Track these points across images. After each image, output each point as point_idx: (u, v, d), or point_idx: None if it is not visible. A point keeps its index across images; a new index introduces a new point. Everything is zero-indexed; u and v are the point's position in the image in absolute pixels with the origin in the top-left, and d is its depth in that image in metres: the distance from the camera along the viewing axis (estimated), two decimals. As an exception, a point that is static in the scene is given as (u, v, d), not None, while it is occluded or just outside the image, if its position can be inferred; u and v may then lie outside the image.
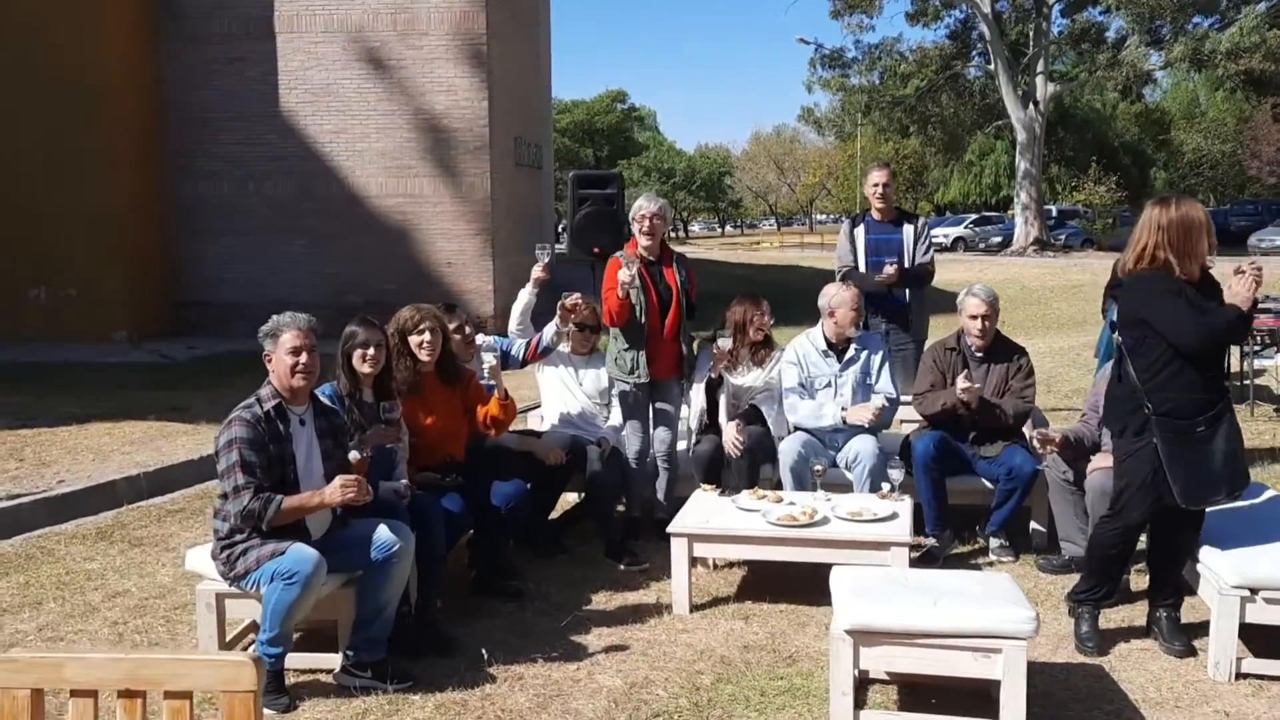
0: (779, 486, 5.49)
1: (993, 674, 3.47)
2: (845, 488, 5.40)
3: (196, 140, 14.92)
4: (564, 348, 5.89)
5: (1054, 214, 37.21)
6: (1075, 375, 10.86)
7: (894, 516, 4.80)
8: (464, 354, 5.31)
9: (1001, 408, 5.44)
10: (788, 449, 5.50)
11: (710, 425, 5.95)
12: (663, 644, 4.39)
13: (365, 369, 4.40)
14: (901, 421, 5.98)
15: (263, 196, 14.97)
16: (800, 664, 4.18)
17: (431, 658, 4.17)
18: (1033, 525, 5.58)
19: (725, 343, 5.78)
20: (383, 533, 3.97)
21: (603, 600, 4.92)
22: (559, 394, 5.93)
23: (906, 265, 6.47)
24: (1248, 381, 8.67)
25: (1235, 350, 8.36)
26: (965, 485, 5.51)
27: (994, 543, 5.44)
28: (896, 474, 5.04)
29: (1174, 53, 29.95)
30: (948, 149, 42.98)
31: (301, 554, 3.74)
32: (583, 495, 5.88)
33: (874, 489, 5.23)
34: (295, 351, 3.92)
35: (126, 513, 6.50)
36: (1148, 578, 4.47)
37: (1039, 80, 32.53)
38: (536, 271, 5.75)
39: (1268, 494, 4.77)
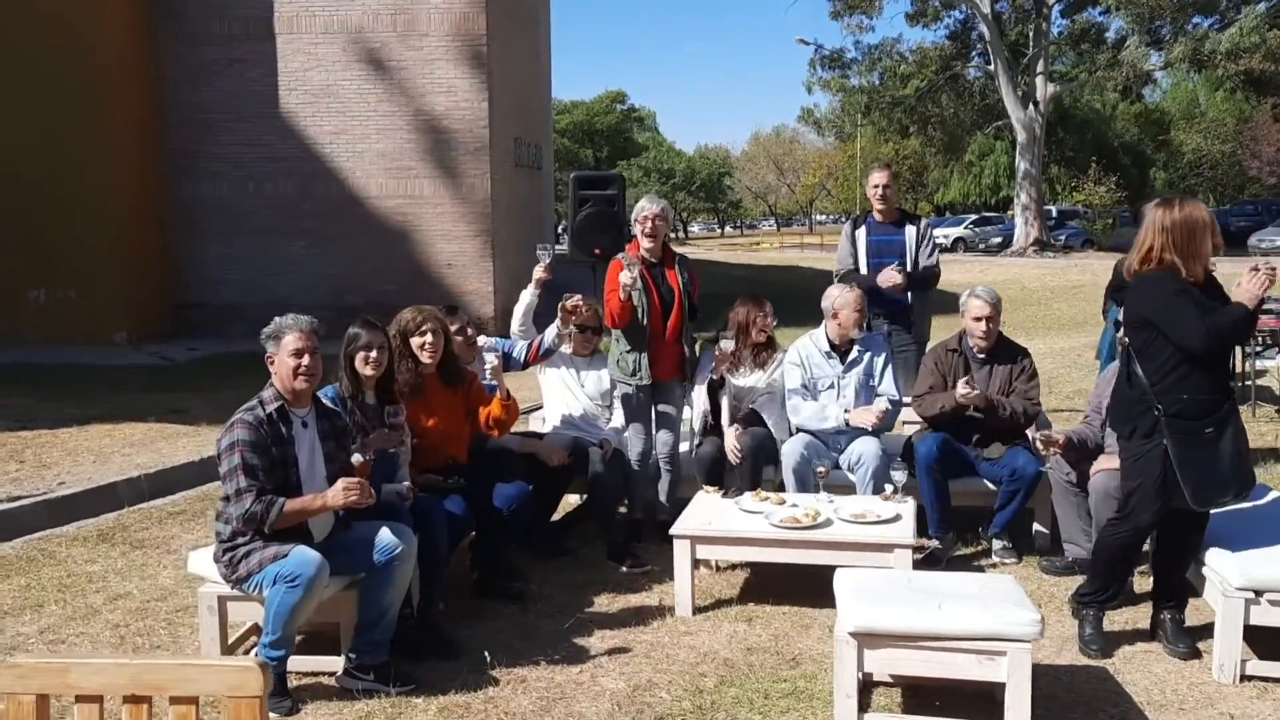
0: (781, 488, 5.49)
1: (997, 676, 3.46)
2: (848, 489, 5.39)
3: (196, 141, 14.91)
4: (566, 349, 5.89)
5: (1054, 214, 37.21)
6: (1076, 376, 10.86)
7: (897, 518, 4.79)
8: (466, 355, 5.30)
9: (1010, 406, 5.43)
10: (790, 451, 5.49)
11: (713, 427, 5.94)
12: (665, 646, 4.38)
13: (368, 371, 4.39)
14: (904, 423, 5.97)
15: (263, 197, 14.96)
16: (804, 666, 4.17)
17: (434, 660, 4.16)
18: (1035, 527, 5.57)
19: (727, 344, 5.77)
20: (385, 535, 3.96)
21: (605, 602, 4.91)
22: (561, 395, 5.93)
23: (909, 268, 6.44)
24: (1249, 382, 8.67)
25: (1238, 350, 8.35)
26: (968, 487, 5.50)
27: (997, 544, 5.43)
28: (899, 476, 5.04)
29: (1174, 53, 29.96)
30: (947, 149, 42.97)
31: (304, 556, 3.73)
32: (585, 497, 5.87)
33: (877, 491, 5.23)
34: (298, 354, 3.91)
35: (127, 515, 6.49)
36: (1151, 580, 4.46)
37: (1039, 80, 32.53)
38: (538, 272, 5.74)
39: (1271, 495, 4.76)
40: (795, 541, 4.67)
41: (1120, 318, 6.00)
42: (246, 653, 4.28)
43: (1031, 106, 32.35)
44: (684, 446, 5.91)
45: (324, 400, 4.20)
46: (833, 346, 5.72)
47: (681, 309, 5.54)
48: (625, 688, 3.98)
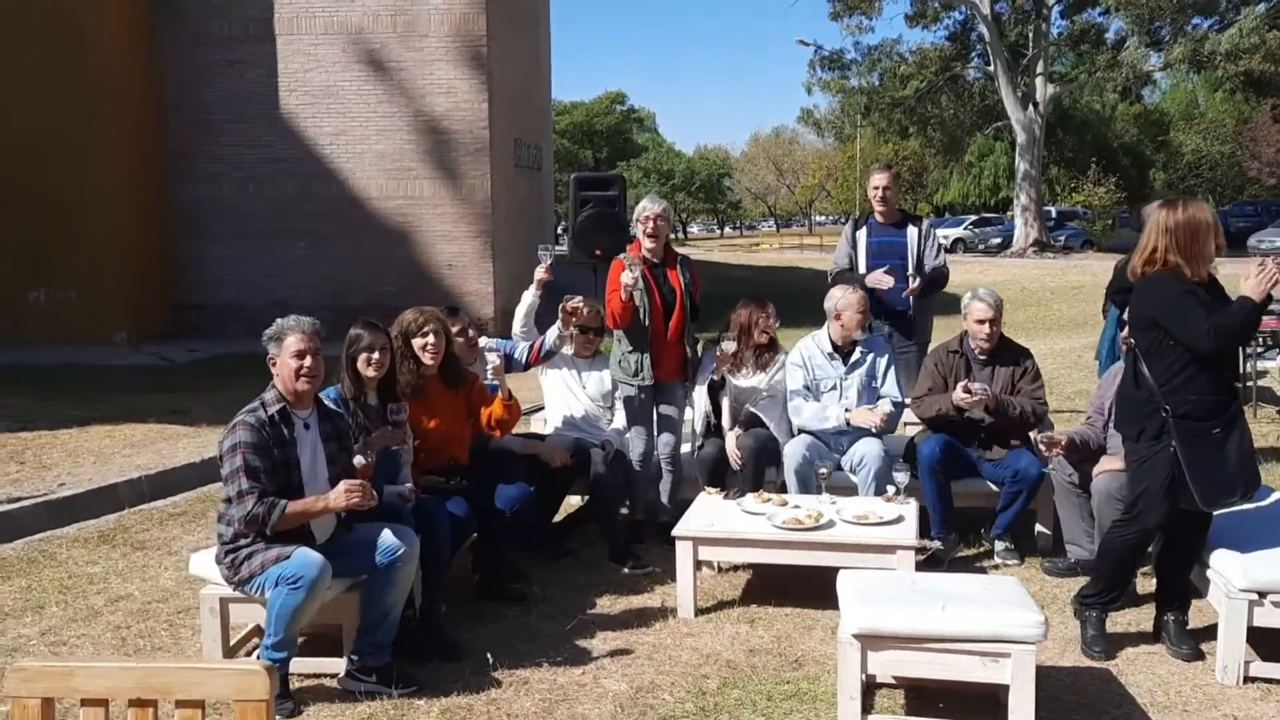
0: (783, 489, 5.48)
1: (1001, 678, 3.46)
2: (850, 491, 5.38)
3: (197, 142, 14.91)
4: (567, 350, 5.88)
5: (1053, 215, 37.23)
6: (1076, 377, 10.86)
7: (899, 520, 4.78)
8: (467, 357, 5.30)
9: (1020, 405, 5.42)
10: (792, 452, 5.48)
11: (714, 428, 5.94)
12: (668, 648, 4.38)
13: (370, 373, 4.39)
14: (906, 424, 5.97)
15: (263, 198, 14.95)
16: (806, 668, 4.17)
17: (436, 662, 4.16)
18: (1038, 528, 5.57)
19: (729, 346, 5.76)
20: (387, 537, 3.95)
21: (607, 604, 4.90)
22: (562, 397, 5.92)
23: (911, 269, 6.42)
24: (1250, 383, 8.67)
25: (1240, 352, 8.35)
26: (970, 488, 5.49)
27: (999, 545, 5.43)
28: (901, 477, 5.03)
29: (1173, 54, 29.98)
30: (947, 150, 42.97)
31: (306, 558, 3.72)
32: (586, 498, 5.86)
33: (879, 492, 5.22)
34: (299, 355, 3.90)
35: (128, 516, 6.49)
36: (1154, 581, 4.46)
37: (1038, 81, 32.55)
38: (540, 273, 5.73)
39: (1274, 496, 4.76)
40: (798, 543, 4.67)
41: (1124, 318, 6.01)
42: (248, 654, 4.28)
43: (1031, 107, 32.36)
44: (685, 447, 5.90)
45: (326, 401, 4.19)
46: (835, 348, 5.72)
47: (683, 309, 5.54)
48: (628, 689, 3.97)
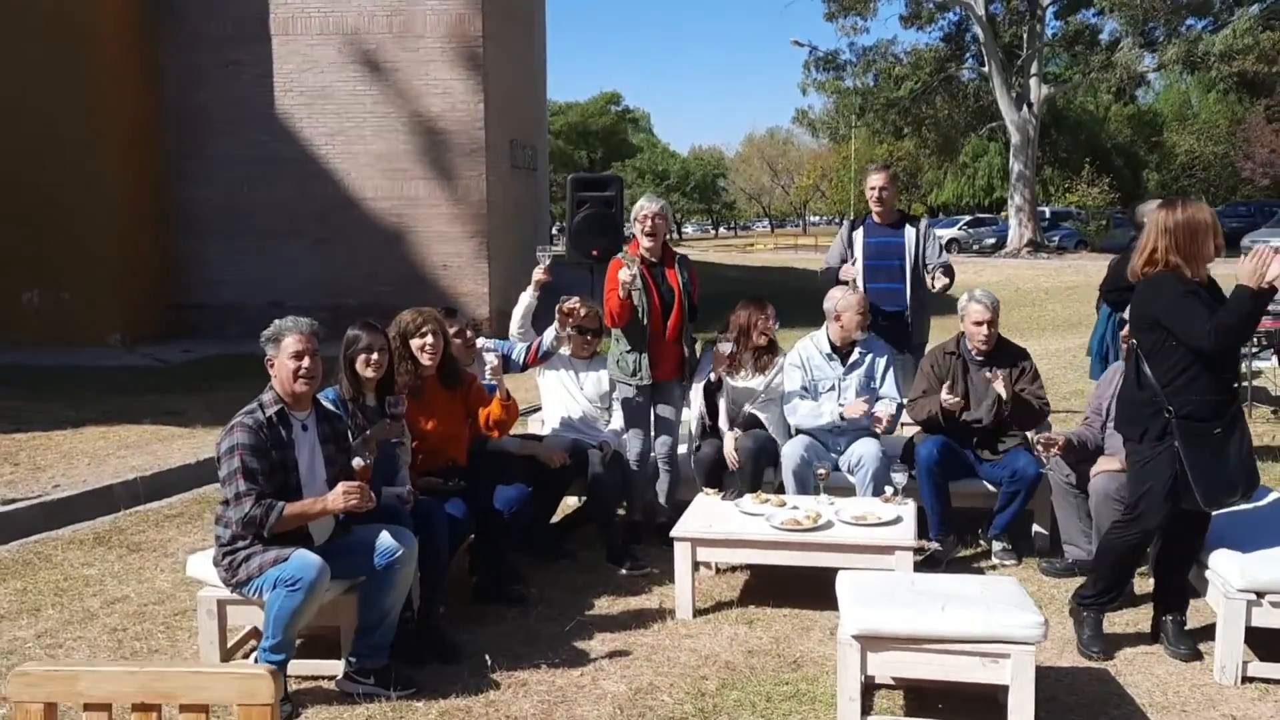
0: (781, 490, 5.48)
1: (1001, 679, 3.46)
2: (848, 491, 5.39)
3: (192, 142, 14.86)
4: (564, 351, 5.87)
5: (1047, 216, 37.26)
6: (1072, 377, 10.87)
7: (898, 520, 4.79)
8: (465, 358, 5.29)
9: (1028, 400, 5.41)
10: (790, 453, 5.48)
11: (710, 429, 5.94)
12: (667, 649, 4.38)
13: (368, 373, 4.38)
14: (903, 425, 5.97)
15: (258, 199, 14.90)
16: (805, 669, 4.17)
17: (435, 664, 4.15)
18: (1035, 528, 5.58)
19: (725, 347, 5.77)
20: (385, 539, 3.94)
21: (605, 605, 4.90)
22: (560, 397, 5.91)
23: (909, 269, 6.39)
24: (1245, 383, 8.69)
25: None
26: (968, 488, 5.50)
27: (997, 546, 5.43)
28: (900, 477, 5.03)
29: (1167, 55, 30.05)
30: (942, 151, 43.04)
31: (305, 560, 3.71)
32: (584, 499, 5.86)
33: (877, 492, 5.23)
34: (298, 356, 3.89)
35: (124, 518, 6.47)
36: (1152, 581, 4.46)
37: (1033, 82, 32.60)
38: (538, 274, 5.72)
39: (1272, 496, 4.77)
40: (796, 544, 4.67)
41: (1123, 318, 6.02)
42: (246, 657, 4.27)
43: (1025, 108, 32.41)
44: (682, 448, 5.90)
45: (325, 403, 4.18)
46: (834, 348, 5.72)
47: (681, 309, 5.53)
48: (627, 691, 3.97)
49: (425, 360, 4.78)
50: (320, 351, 3.97)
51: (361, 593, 3.97)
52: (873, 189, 6.53)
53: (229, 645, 4.16)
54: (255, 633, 4.18)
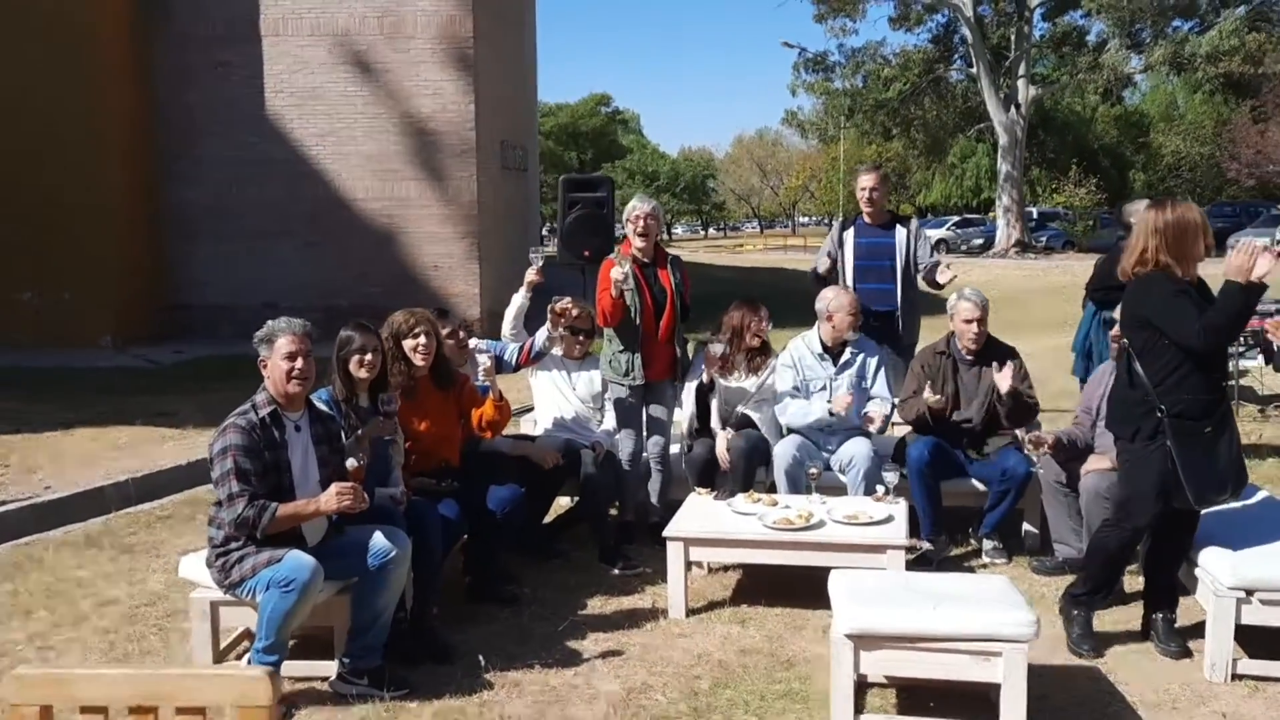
0: (773, 490, 5.49)
1: (993, 677, 3.48)
2: (840, 491, 5.40)
3: (183, 143, 14.81)
4: (557, 352, 5.87)
5: (1035, 216, 37.37)
6: (1060, 376, 10.85)
7: (889, 519, 4.80)
8: (457, 358, 5.29)
9: (1020, 396, 5.43)
10: (782, 452, 5.50)
11: (702, 429, 5.95)
12: (660, 649, 4.38)
13: (362, 374, 4.38)
14: (895, 425, 5.99)
15: (249, 200, 14.86)
16: (798, 668, 4.18)
17: (428, 664, 4.15)
18: (1025, 527, 5.60)
19: (717, 348, 5.77)
20: (379, 540, 3.94)
21: (598, 605, 4.90)
22: (552, 398, 5.91)
23: (900, 270, 6.42)
24: (1231, 382, 8.73)
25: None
26: (959, 487, 5.52)
27: (987, 545, 5.46)
28: (891, 476, 5.05)
29: (1154, 56, 30.22)
30: (930, 152, 43.13)
31: (298, 561, 3.71)
32: (576, 499, 5.86)
33: (869, 492, 5.24)
34: (291, 357, 3.89)
35: (115, 519, 6.44)
36: (1142, 579, 4.49)
37: (1020, 83, 32.73)
38: (530, 275, 5.72)
39: (1261, 494, 4.80)
40: (788, 543, 4.68)
41: (1109, 317, 6.05)
42: (239, 658, 4.26)
43: (1013, 109, 32.53)
44: (675, 448, 5.91)
45: (318, 403, 4.18)
46: (825, 348, 5.74)
47: (674, 309, 5.54)
48: (620, 690, 3.97)
49: (418, 361, 4.78)
50: (313, 352, 3.97)
51: (355, 594, 3.97)
52: (864, 189, 6.54)
53: (222, 647, 4.15)
54: (248, 634, 4.18)
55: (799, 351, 5.78)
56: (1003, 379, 5.36)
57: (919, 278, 6.50)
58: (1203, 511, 4.15)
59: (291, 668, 3.99)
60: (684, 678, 4.09)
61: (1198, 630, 4.25)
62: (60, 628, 4.66)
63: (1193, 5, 30.44)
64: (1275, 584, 3.97)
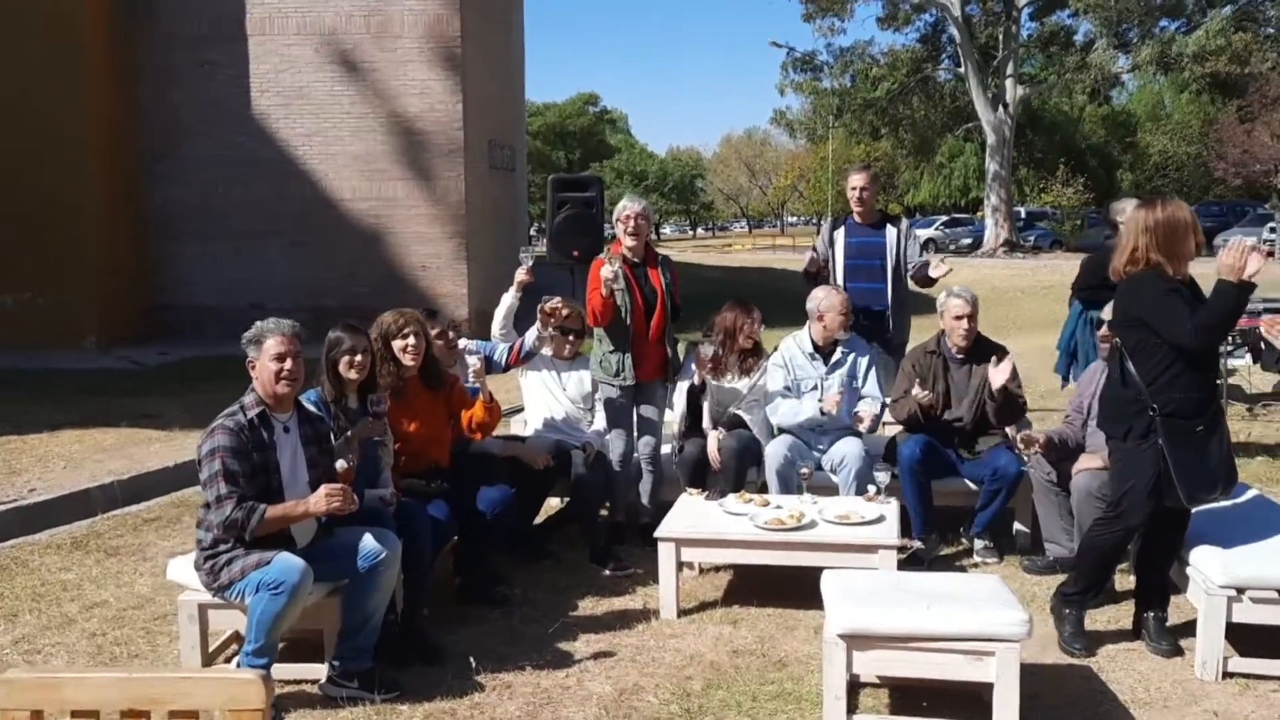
0: (764, 490, 5.49)
1: (986, 677, 3.47)
2: (831, 491, 5.39)
3: (168, 143, 14.72)
4: (546, 352, 5.85)
5: (1023, 216, 37.52)
6: (1048, 376, 10.87)
7: (881, 519, 4.80)
8: (447, 359, 5.26)
9: (1010, 393, 5.43)
10: (773, 452, 5.49)
11: (693, 429, 5.93)
12: (651, 649, 4.37)
13: (352, 375, 4.35)
14: (886, 424, 5.99)
15: (235, 200, 14.78)
16: (790, 668, 4.17)
17: (419, 666, 4.13)
18: (1016, 526, 5.60)
19: (707, 349, 5.77)
20: (369, 541, 3.92)
21: (589, 606, 4.89)
22: (542, 399, 5.89)
23: (890, 269, 6.41)
24: (1219, 381, 8.75)
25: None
26: (950, 487, 5.52)
27: (978, 544, 5.46)
28: (882, 476, 5.05)
29: (1141, 55, 30.39)
30: (918, 151, 43.27)
31: (288, 563, 3.68)
32: (567, 500, 5.84)
33: (860, 491, 5.24)
34: (279, 358, 3.86)
35: (101, 522, 6.39)
36: (1132, 578, 4.49)
37: (1008, 83, 32.85)
38: (520, 275, 5.70)
39: (1251, 492, 4.81)
40: (780, 543, 4.67)
41: (1096, 317, 6.06)
42: (227, 661, 4.23)
43: (1001, 109, 32.65)
44: (665, 448, 5.90)
45: (307, 404, 4.15)
46: (816, 348, 5.73)
47: (664, 309, 5.53)
48: (612, 692, 3.96)
49: (407, 361, 4.76)
50: (302, 353, 3.95)
51: (345, 596, 3.94)
52: (854, 189, 6.54)
53: (210, 650, 4.12)
54: (237, 637, 4.14)
55: (790, 351, 5.77)
56: (999, 373, 5.35)
57: (908, 277, 6.50)
58: (1193, 510, 4.16)
59: (281, 670, 3.96)
60: (676, 679, 4.08)
61: (1189, 629, 4.25)
62: (47, 631, 4.62)
63: (1179, 5, 30.64)
64: (1266, 582, 3.98)
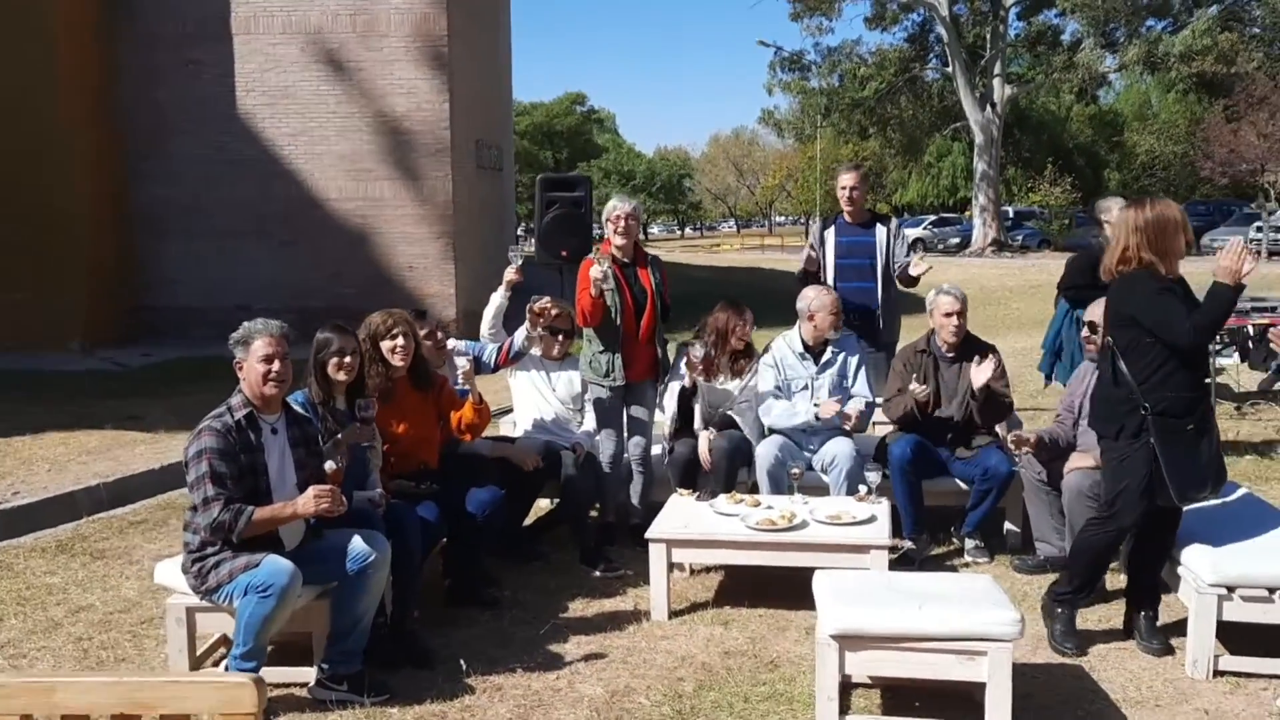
0: (755, 490, 5.48)
1: (978, 676, 3.47)
2: (822, 491, 5.39)
3: (153, 142, 14.64)
4: (535, 352, 5.83)
5: (1011, 215, 37.62)
6: (1037, 376, 10.90)
7: (872, 519, 4.79)
8: (436, 359, 5.24)
9: (993, 393, 5.43)
10: (764, 452, 5.48)
11: (683, 430, 5.92)
12: (643, 651, 4.36)
13: (340, 377, 4.33)
14: (876, 424, 5.99)
15: (220, 200, 14.70)
16: (782, 669, 4.16)
17: (409, 669, 4.11)
18: (1007, 526, 5.60)
19: (697, 351, 5.75)
20: (358, 543, 3.89)
21: (580, 607, 4.87)
22: (532, 399, 5.87)
23: (880, 268, 6.42)
24: (1208, 380, 8.78)
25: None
26: (941, 486, 5.52)
27: (969, 544, 5.46)
28: (873, 476, 5.04)
29: (1128, 55, 30.52)
30: (906, 151, 43.37)
31: (276, 566, 3.66)
32: (556, 501, 5.82)
33: (851, 491, 5.23)
34: (267, 359, 3.83)
35: (86, 525, 6.34)
36: (1123, 577, 4.50)
37: (996, 82, 32.94)
38: (509, 275, 5.68)
39: (1240, 491, 4.83)
40: (771, 544, 4.66)
41: (1080, 316, 6.07)
42: (215, 665, 4.20)
43: (989, 108, 32.74)
44: (656, 449, 5.88)
45: (294, 406, 4.12)
46: (806, 348, 5.72)
47: (654, 309, 5.51)
48: (603, 694, 3.94)
49: (396, 362, 4.74)
50: (290, 354, 3.92)
51: (334, 598, 3.92)
52: (844, 188, 6.54)
53: (198, 653, 4.09)
54: (224, 640, 4.12)
55: (780, 351, 5.76)
56: (980, 373, 5.36)
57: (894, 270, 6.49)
58: (1184, 509, 4.16)
59: (270, 674, 3.91)
60: (667, 680, 4.06)
61: (1179, 628, 4.26)
62: (32, 635, 4.58)
63: (1166, 5, 30.79)
64: (1256, 580, 3.99)
